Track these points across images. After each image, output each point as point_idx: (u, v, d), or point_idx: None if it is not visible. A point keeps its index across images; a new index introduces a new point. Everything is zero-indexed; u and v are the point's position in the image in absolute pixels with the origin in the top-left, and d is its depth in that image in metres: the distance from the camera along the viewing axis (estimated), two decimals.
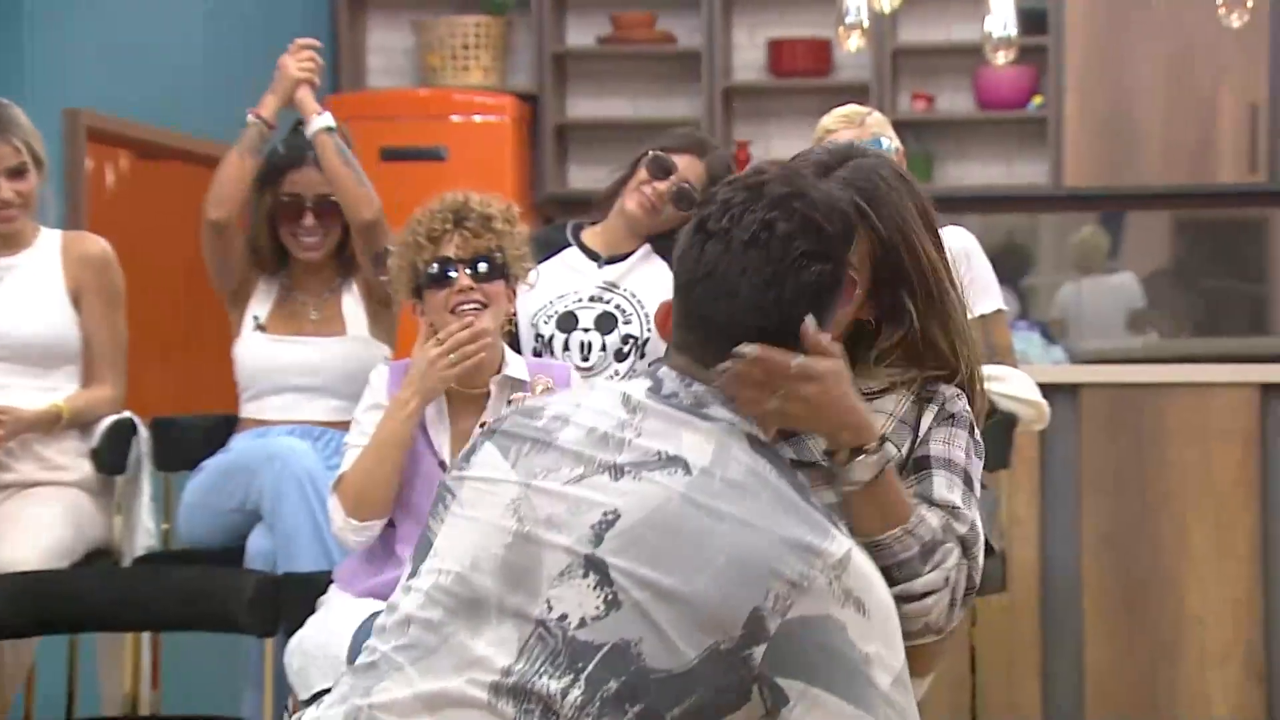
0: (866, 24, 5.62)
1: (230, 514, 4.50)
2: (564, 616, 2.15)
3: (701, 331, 2.28)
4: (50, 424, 4.51)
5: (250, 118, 4.68)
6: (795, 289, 2.24)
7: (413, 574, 2.29)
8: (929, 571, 2.41)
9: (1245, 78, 7.56)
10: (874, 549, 2.34)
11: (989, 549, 4.52)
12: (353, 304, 4.75)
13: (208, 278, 4.80)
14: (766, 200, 2.25)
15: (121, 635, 4.43)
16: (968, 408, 2.59)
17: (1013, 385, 4.63)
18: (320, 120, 4.63)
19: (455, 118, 7.66)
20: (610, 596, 2.14)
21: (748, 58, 8.16)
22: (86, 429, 4.62)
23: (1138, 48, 7.67)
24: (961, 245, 4.72)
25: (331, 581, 4.02)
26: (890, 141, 4.65)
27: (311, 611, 3.96)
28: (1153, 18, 7.63)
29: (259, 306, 4.72)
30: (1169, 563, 5.59)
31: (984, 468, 4.63)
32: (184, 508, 4.65)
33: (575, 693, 2.13)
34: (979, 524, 2.52)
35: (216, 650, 4.76)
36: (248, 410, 4.75)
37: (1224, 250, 8.18)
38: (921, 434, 2.54)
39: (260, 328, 4.69)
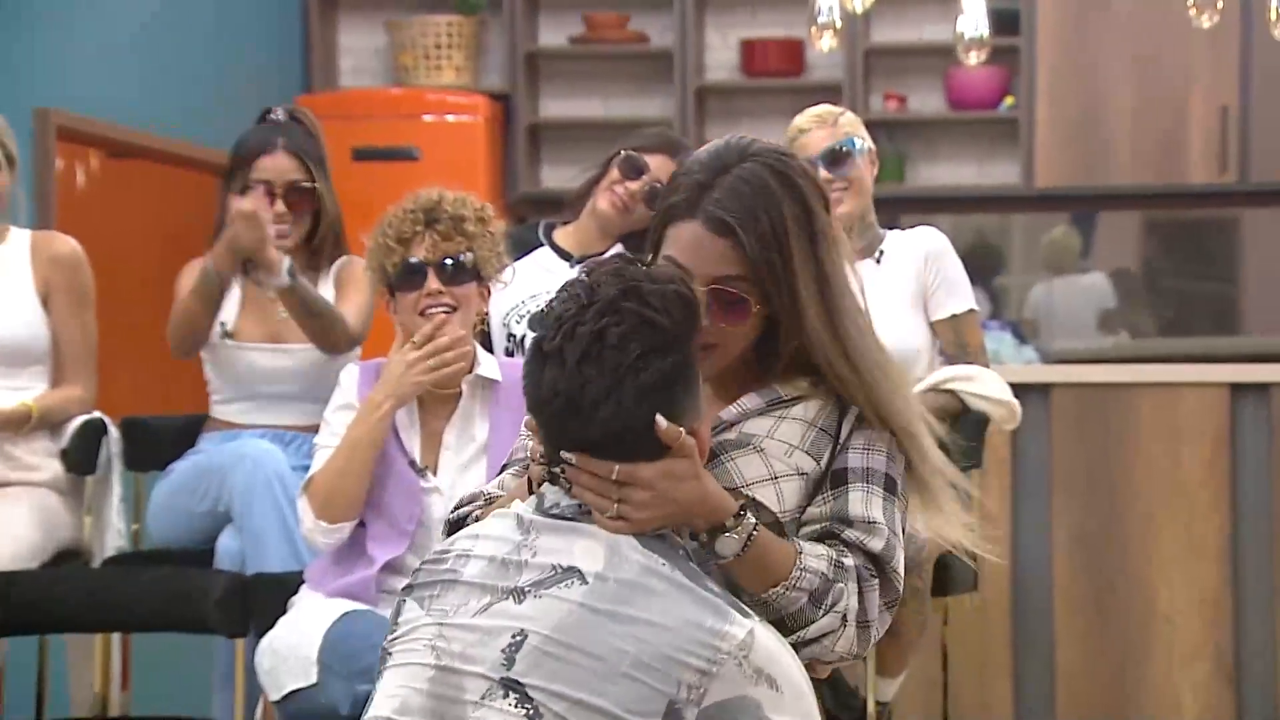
0: (839, 24, 5.62)
1: (201, 515, 4.48)
2: None
3: (563, 449, 2.29)
4: (21, 423, 4.49)
5: (206, 264, 4.49)
6: (636, 393, 2.24)
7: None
8: (822, 616, 2.40)
9: (1215, 79, 7.58)
10: (760, 606, 2.35)
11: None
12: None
13: (175, 279, 4.75)
14: (597, 307, 2.25)
15: (91, 636, 4.42)
16: None
17: (984, 385, 4.62)
18: (279, 280, 4.42)
19: (428, 117, 7.64)
20: (531, 712, 2.18)
21: (720, 58, 8.16)
22: (56, 429, 4.60)
23: (1109, 49, 7.68)
24: (933, 245, 4.72)
25: (302, 582, 4.01)
26: (862, 141, 4.65)
27: (282, 612, 3.96)
28: (1124, 19, 7.65)
29: (225, 310, 4.64)
30: (1139, 562, 5.60)
31: (956, 466, 4.66)
32: (154, 508, 4.63)
33: None
34: (898, 533, 2.50)
35: (187, 651, 4.74)
36: (217, 412, 4.72)
37: (1194, 250, 8.19)
38: (842, 440, 2.52)
39: (228, 334, 4.64)
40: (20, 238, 4.65)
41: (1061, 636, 5.64)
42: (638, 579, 2.21)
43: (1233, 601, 5.59)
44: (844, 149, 4.60)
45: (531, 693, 2.18)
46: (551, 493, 2.32)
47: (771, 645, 2.22)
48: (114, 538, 4.64)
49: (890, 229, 4.78)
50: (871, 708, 4.30)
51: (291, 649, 3.81)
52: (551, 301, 2.32)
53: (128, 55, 6.36)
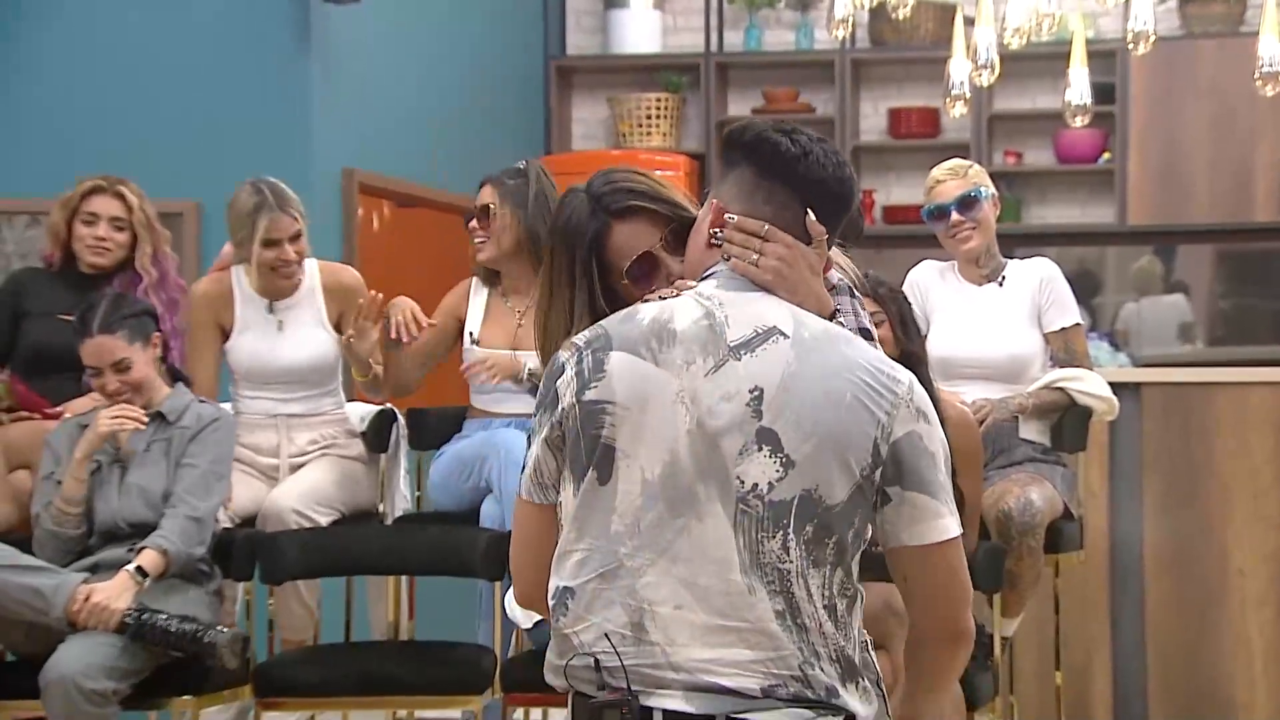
0: (968, 95, 5.54)
1: (467, 490, 4.46)
2: (755, 486, 2.07)
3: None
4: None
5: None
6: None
7: (607, 478, 2.12)
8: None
9: (1277, 136, 7.44)
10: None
11: (1069, 514, 4.47)
12: None
13: (444, 301, 4.65)
14: (804, 135, 2.20)
15: (385, 577, 4.49)
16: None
17: (1088, 384, 4.54)
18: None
19: None
20: (785, 459, 2.06)
21: (872, 123, 8.10)
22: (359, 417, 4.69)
23: (1188, 113, 7.54)
24: (1046, 272, 4.64)
25: None
26: (987, 189, 4.58)
27: None
28: (1200, 89, 7.51)
29: (471, 322, 4.54)
30: (1215, 526, 5.46)
31: (1066, 450, 4.58)
32: (432, 482, 4.63)
33: (791, 545, 2.07)
34: None
35: (458, 590, 4.80)
36: (476, 402, 4.62)
37: (1257, 275, 8.01)
38: None
39: (475, 341, 4.53)
40: (310, 267, 4.59)
41: (1150, 586, 5.52)
42: (822, 331, 2.14)
43: None
44: (972, 195, 4.54)
45: (782, 439, 2.06)
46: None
47: (920, 389, 2.15)
48: (401, 502, 4.70)
49: (1010, 259, 4.71)
50: (997, 642, 4.24)
51: None
52: (760, 134, 2.21)
53: (411, 123, 6.46)
